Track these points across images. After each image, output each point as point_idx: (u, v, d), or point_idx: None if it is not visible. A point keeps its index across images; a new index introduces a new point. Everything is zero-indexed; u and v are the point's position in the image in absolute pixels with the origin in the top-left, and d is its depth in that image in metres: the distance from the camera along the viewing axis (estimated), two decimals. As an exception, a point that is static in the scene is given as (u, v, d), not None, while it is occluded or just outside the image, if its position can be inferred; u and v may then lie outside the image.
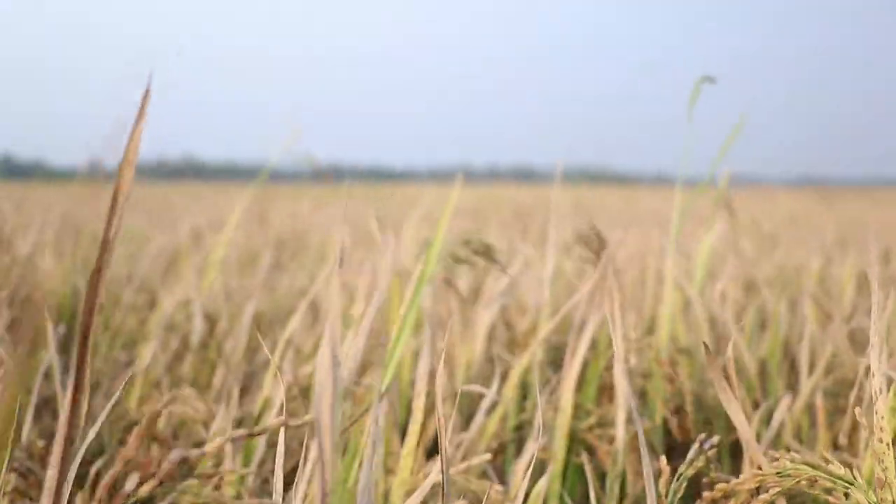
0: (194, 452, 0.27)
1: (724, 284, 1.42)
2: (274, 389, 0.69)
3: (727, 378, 0.44)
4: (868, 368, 0.55)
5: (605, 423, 0.68)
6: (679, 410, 0.78)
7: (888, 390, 0.49)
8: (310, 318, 1.13)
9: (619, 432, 0.60)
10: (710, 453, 0.45)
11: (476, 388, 0.54)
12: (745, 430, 0.43)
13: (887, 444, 0.44)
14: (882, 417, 0.44)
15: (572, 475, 0.70)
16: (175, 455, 0.27)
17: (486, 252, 0.82)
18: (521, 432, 0.72)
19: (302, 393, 0.76)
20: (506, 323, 0.89)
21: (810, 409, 0.95)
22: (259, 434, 0.29)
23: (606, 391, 0.80)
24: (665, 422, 0.79)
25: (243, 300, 1.26)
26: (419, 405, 0.51)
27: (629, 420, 0.66)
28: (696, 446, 0.45)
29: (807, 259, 2.13)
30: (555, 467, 0.62)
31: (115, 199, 0.27)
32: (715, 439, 0.45)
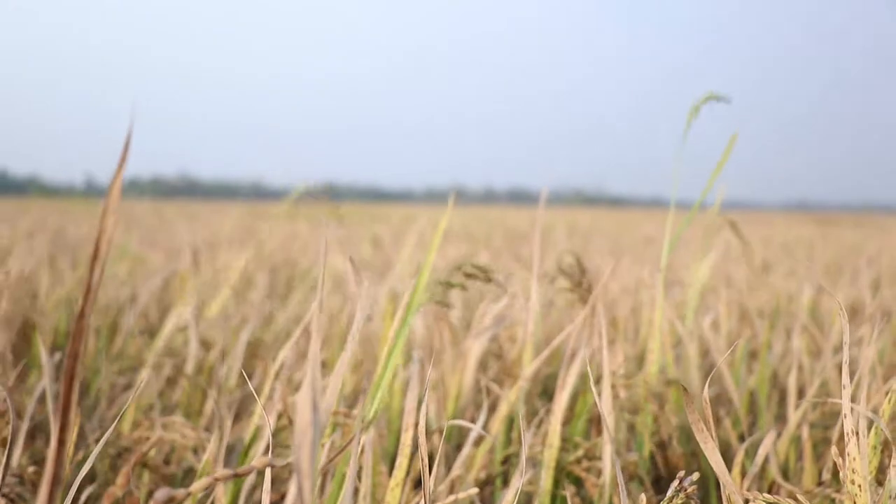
0: (180, 492, 0.28)
1: (716, 314, 1.43)
2: (263, 419, 0.70)
3: (704, 419, 0.45)
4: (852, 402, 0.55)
5: (594, 456, 0.69)
6: (667, 443, 0.79)
7: (867, 431, 0.50)
8: (303, 345, 1.14)
9: (606, 466, 0.61)
10: (690, 490, 0.46)
11: (463, 423, 0.55)
12: (722, 470, 0.44)
13: (859, 486, 0.45)
14: (854, 459, 0.45)
15: (559, 507, 0.71)
16: (161, 495, 0.27)
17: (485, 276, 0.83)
18: (510, 464, 0.73)
19: (291, 422, 0.76)
20: (495, 354, 0.90)
21: (798, 441, 0.96)
22: (244, 475, 0.30)
23: (595, 424, 0.81)
24: (653, 454, 0.79)
25: (239, 326, 1.27)
26: (407, 440, 0.51)
27: (617, 453, 0.67)
28: (675, 483, 0.45)
29: (799, 288, 2.15)
30: (541, 500, 0.63)
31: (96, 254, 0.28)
32: (695, 476, 0.46)
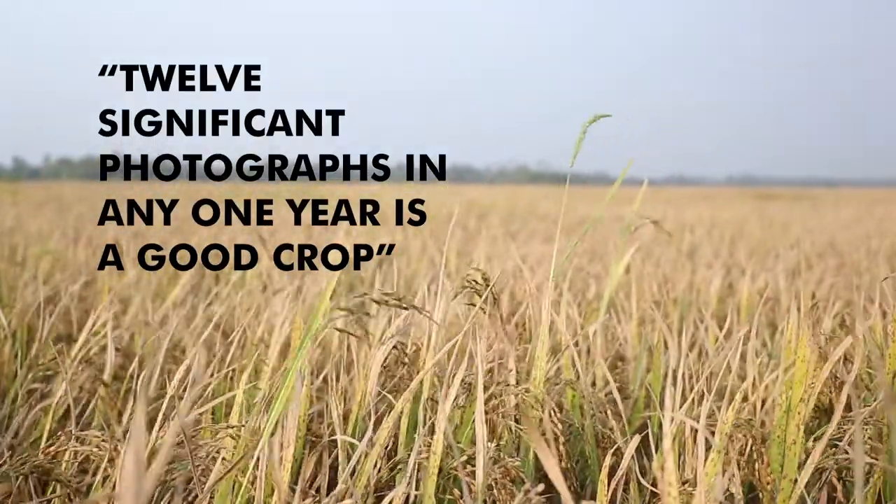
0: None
1: (628, 308, 1.51)
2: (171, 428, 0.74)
3: (546, 439, 0.51)
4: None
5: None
6: (549, 444, 0.86)
7: (706, 440, 0.56)
8: (222, 348, 1.18)
9: (479, 472, 0.67)
10: (534, 501, 0.52)
11: (348, 439, 0.60)
12: (562, 487, 0.50)
13: (674, 498, 0.51)
14: (671, 473, 0.52)
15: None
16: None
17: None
18: (398, 470, 0.79)
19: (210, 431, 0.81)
20: (400, 361, 0.96)
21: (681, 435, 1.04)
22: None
23: (490, 428, 0.88)
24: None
25: (159, 328, 1.30)
26: (287, 456, 0.57)
27: (496, 460, 0.73)
28: (520, 496, 0.52)
29: (717, 274, 2.24)
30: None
31: None
32: (540, 487, 0.52)
